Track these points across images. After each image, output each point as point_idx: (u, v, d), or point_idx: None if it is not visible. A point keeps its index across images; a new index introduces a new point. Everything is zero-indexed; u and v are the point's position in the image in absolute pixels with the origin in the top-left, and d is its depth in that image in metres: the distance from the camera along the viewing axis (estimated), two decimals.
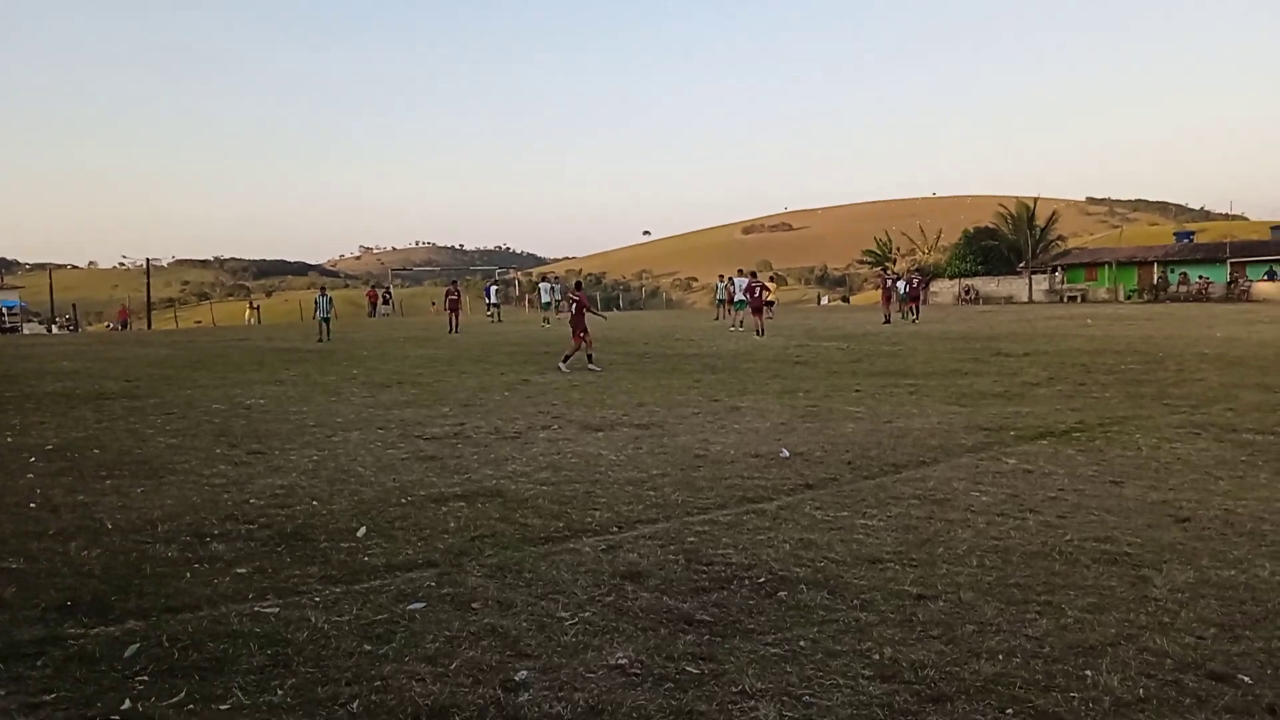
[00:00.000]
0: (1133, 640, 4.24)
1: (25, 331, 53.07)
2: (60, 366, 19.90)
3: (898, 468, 8.30)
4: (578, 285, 21.62)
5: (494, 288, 46.47)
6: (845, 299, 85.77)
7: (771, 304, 32.99)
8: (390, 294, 60.69)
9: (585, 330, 18.36)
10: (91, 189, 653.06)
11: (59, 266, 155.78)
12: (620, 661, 4.01)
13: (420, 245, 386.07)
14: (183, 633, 4.25)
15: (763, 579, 5.17)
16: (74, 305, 73.27)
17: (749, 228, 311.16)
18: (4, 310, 57.06)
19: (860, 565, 5.41)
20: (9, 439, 10.18)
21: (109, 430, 10.80)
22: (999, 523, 6.30)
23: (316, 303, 31.18)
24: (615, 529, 6.25)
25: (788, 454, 8.84)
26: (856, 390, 13.96)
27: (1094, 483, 7.61)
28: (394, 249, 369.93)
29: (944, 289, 63.41)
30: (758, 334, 26.12)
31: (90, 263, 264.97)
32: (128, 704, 3.52)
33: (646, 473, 8.05)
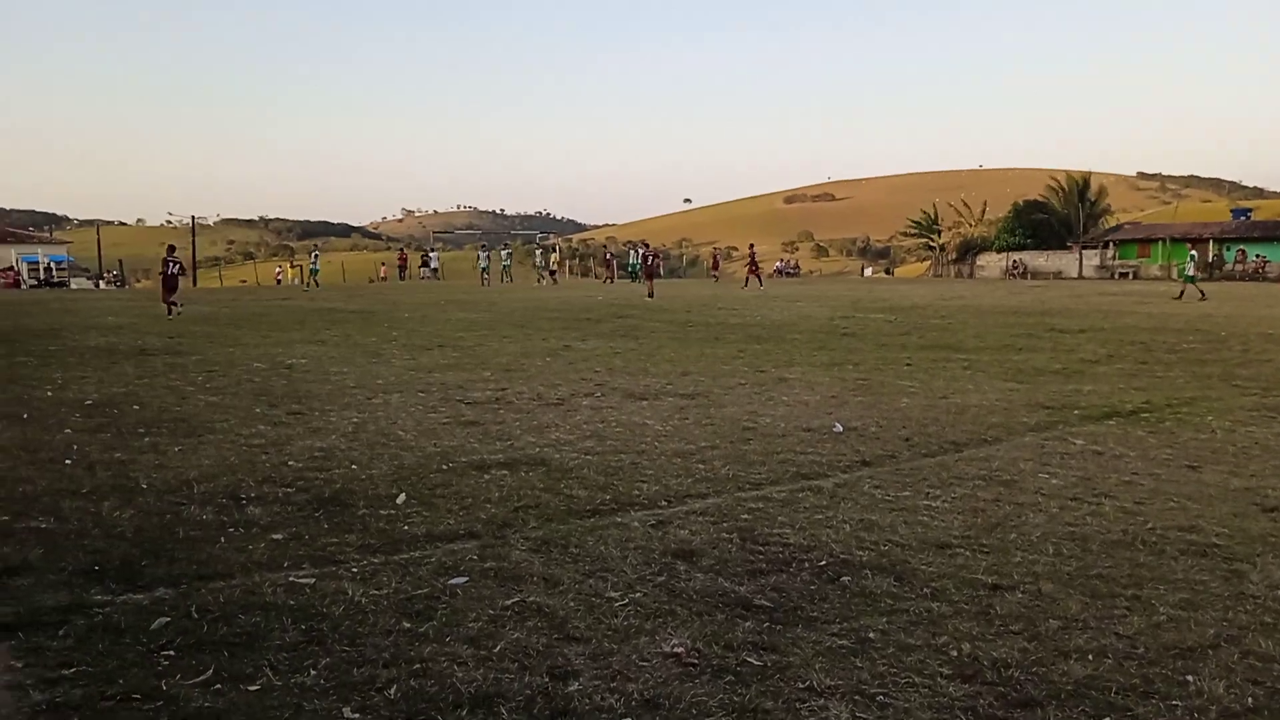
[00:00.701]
0: (1234, 642, 3.88)
1: (73, 286, 53.78)
2: (105, 321, 20.01)
3: (958, 446, 7.92)
4: (645, 244, 37.37)
5: (539, 252, 49.04)
6: (889, 271, 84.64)
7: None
8: (429, 258, 60.42)
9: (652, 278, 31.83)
10: (140, 146, 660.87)
11: (107, 223, 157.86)
12: (675, 649, 3.73)
13: (462, 209, 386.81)
14: (213, 603, 4.02)
15: (823, 562, 4.86)
16: (120, 261, 74.13)
17: (791, 197, 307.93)
18: (52, 264, 57.87)
19: (927, 550, 5.07)
20: (49, 393, 10.10)
21: (149, 386, 10.70)
22: (1073, 508, 5.92)
23: (314, 258, 46.38)
24: (664, 503, 5.97)
25: (841, 428, 8.49)
26: (908, 364, 13.53)
27: (1169, 467, 7.18)
28: (435, 212, 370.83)
29: (991, 262, 62.22)
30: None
31: (138, 220, 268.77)
32: (152, 681, 3.29)
33: (694, 444, 7.75)
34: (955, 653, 3.73)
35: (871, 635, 3.90)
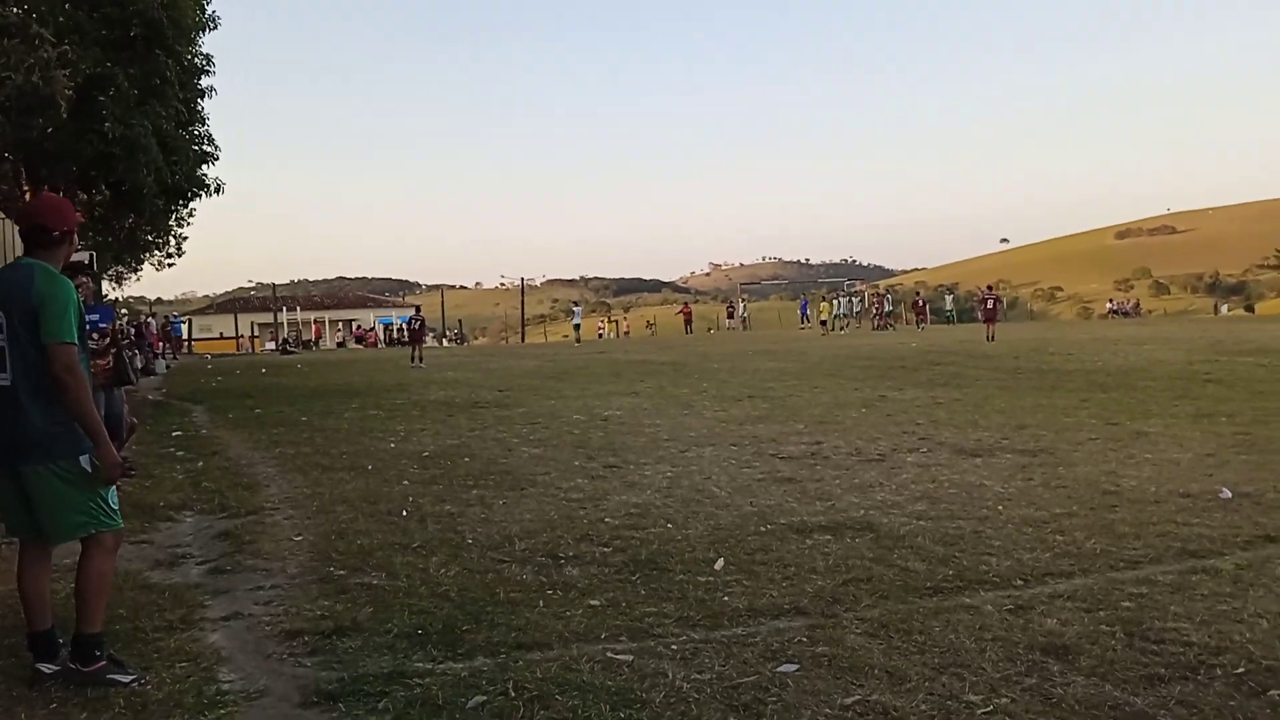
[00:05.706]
0: None
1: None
2: (445, 376, 21.62)
3: None
4: (988, 287, 33.80)
5: (842, 299, 48.50)
6: (1249, 308, 74.98)
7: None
8: (734, 309, 61.14)
9: (991, 321, 30.16)
10: (482, 219, 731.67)
11: (450, 287, 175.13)
12: None
13: (767, 260, 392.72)
14: (530, 679, 3.78)
15: (1241, 669, 3.87)
16: (459, 321, 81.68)
17: (1123, 232, 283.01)
18: (403, 325, 65.03)
19: None
20: (392, 444, 10.82)
21: (479, 438, 11.19)
22: None
23: (574, 312, 49.20)
24: (1019, 582, 5.13)
25: (1229, 494, 7.12)
26: None
27: None
28: (741, 265, 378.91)
29: None
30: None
31: (476, 283, 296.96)
32: None
33: (1047, 511, 6.76)
34: None
35: None
